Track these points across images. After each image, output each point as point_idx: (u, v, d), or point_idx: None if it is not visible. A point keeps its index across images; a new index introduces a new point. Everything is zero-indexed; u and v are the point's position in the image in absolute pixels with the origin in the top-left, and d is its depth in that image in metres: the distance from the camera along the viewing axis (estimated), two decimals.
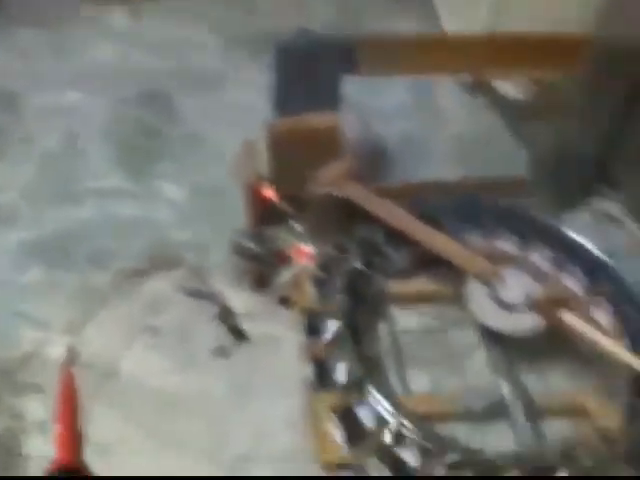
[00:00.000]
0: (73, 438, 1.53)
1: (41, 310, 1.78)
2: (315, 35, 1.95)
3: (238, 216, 2.05)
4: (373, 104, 2.43)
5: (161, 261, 1.91)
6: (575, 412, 1.66)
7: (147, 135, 2.33)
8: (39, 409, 1.60)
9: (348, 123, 1.87)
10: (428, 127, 2.48)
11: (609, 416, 1.59)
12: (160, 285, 1.86)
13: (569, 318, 1.54)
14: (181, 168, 2.23)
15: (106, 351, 1.71)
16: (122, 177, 2.19)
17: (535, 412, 1.62)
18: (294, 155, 1.79)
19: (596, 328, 1.63)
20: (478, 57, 1.96)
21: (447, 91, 2.61)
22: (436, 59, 1.92)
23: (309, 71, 1.70)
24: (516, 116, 2.48)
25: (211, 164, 2.25)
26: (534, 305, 1.58)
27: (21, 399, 1.61)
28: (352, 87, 2.20)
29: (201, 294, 1.84)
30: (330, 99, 1.78)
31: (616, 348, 1.58)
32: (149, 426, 1.59)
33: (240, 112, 2.40)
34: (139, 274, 1.88)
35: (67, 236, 1.98)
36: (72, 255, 1.93)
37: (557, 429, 1.63)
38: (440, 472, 1.45)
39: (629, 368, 1.62)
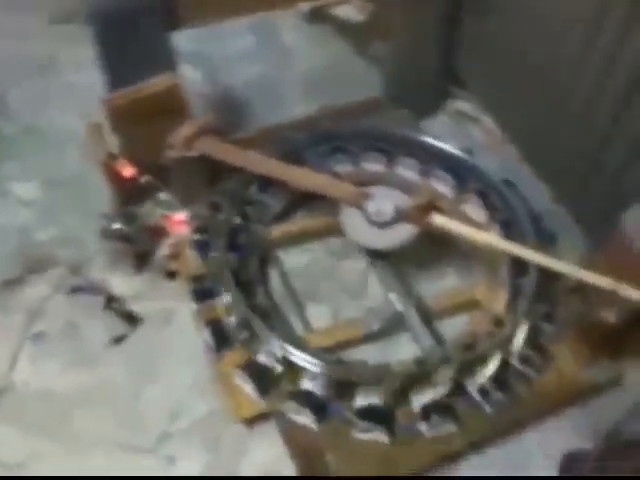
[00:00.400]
0: None
1: None
2: None
3: (103, 201, 1.97)
4: (215, 53, 2.37)
5: (33, 264, 1.81)
6: (467, 306, 1.74)
7: None
8: None
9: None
10: (276, 67, 2.44)
11: (498, 302, 1.68)
12: (38, 289, 1.76)
13: (439, 220, 1.59)
14: (28, 164, 2.09)
15: None
16: None
17: (430, 316, 1.69)
18: (140, 125, 1.71)
19: (469, 224, 1.69)
20: None
21: (289, 26, 2.57)
22: None
23: (131, 33, 1.61)
24: (360, 38, 2.49)
25: (59, 154, 2.12)
26: (404, 215, 1.61)
27: None
28: (190, 39, 2.15)
29: (83, 288, 1.76)
30: (162, 58, 1.70)
31: (490, 238, 1.66)
32: (57, 433, 1.53)
33: (77, 94, 2.27)
34: (13, 283, 1.77)
35: None
36: None
37: (456, 327, 1.72)
38: (354, 398, 1.49)
39: (506, 254, 1.71)
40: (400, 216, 1.62)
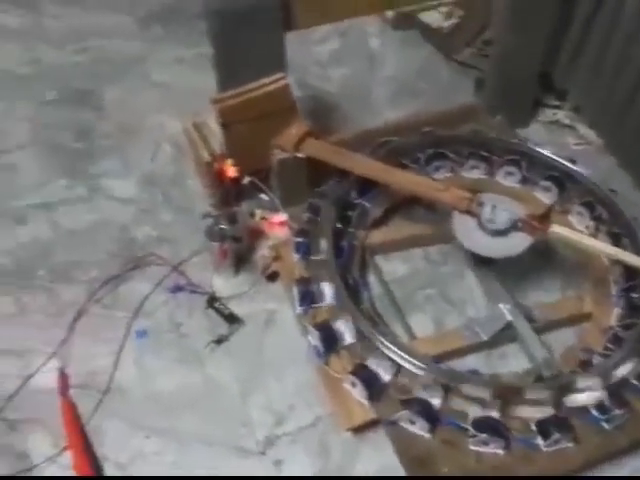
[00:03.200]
0: (89, 462, 1.46)
1: (17, 340, 1.67)
2: None
3: (197, 200, 1.98)
4: (304, 57, 2.36)
5: (134, 262, 1.81)
6: (577, 319, 1.69)
7: (79, 135, 2.18)
8: (43, 443, 1.51)
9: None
10: (364, 71, 2.43)
11: (610, 315, 1.63)
12: (140, 287, 1.76)
13: (558, 229, 1.55)
14: (124, 162, 2.11)
15: (98, 366, 1.63)
16: (64, 184, 2.05)
17: (540, 327, 1.65)
18: (248, 125, 1.72)
19: (581, 233, 1.65)
20: None
21: (375, 31, 2.56)
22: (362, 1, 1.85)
23: (247, 32, 1.61)
24: (448, 43, 2.46)
25: (153, 152, 2.13)
26: (521, 224, 1.58)
27: (20, 437, 1.51)
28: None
29: (184, 287, 1.76)
30: (275, 59, 1.70)
31: (606, 248, 1.61)
32: (166, 431, 1.53)
33: (168, 93, 2.29)
34: (115, 280, 1.78)
35: (23, 258, 1.85)
36: (35, 276, 1.81)
37: (564, 340, 1.67)
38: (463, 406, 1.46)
39: (616, 267, 1.67)
40: (515, 224, 1.58)
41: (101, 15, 2.61)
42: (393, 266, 1.84)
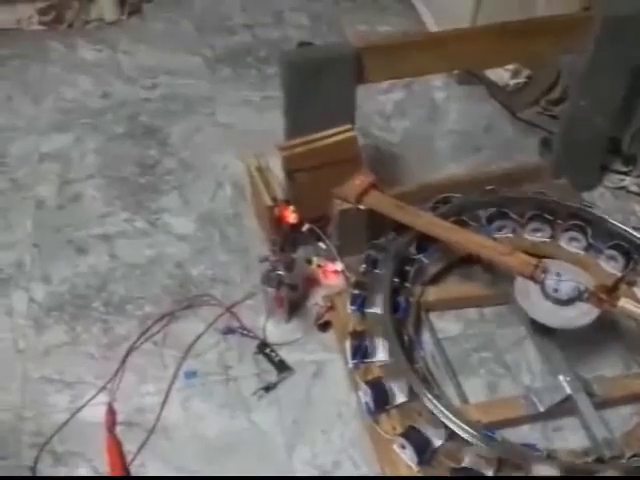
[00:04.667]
0: None
1: (68, 371, 1.68)
2: (318, 46, 1.88)
3: (253, 242, 1.99)
4: (367, 107, 2.38)
5: (188, 300, 1.82)
6: (638, 396, 1.62)
7: (143, 170, 2.22)
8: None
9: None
10: (428, 124, 2.43)
11: None
12: (192, 326, 1.77)
13: (627, 304, 1.49)
14: (184, 199, 2.14)
15: (146, 404, 1.62)
16: (125, 217, 2.08)
17: (599, 403, 1.59)
18: (313, 174, 1.72)
19: None
20: (470, 50, 1.88)
21: (441, 84, 2.56)
22: (431, 57, 1.84)
23: (318, 83, 1.63)
24: (513, 101, 2.45)
25: (213, 191, 2.16)
26: (588, 295, 1.53)
27: (64, 471, 1.51)
28: None
29: (236, 330, 1.76)
30: (344, 110, 1.71)
31: None
32: (208, 474, 1.50)
33: (232, 133, 2.33)
34: (167, 316, 1.78)
35: (81, 288, 1.87)
36: (90, 307, 1.83)
37: (623, 418, 1.60)
38: None
39: None
40: (583, 294, 1.53)
41: (172, 54, 2.68)
42: (448, 325, 1.80)
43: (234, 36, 2.79)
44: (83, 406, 1.61)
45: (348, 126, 1.71)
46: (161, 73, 2.60)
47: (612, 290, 1.52)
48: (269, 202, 1.80)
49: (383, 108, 2.46)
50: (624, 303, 1.50)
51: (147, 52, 2.70)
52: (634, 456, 1.44)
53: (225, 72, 2.61)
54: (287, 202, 1.78)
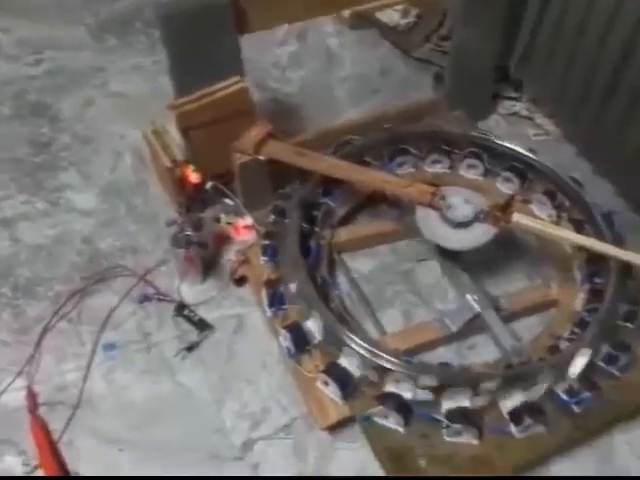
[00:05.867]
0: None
1: None
2: None
3: (160, 208, 1.96)
4: (261, 60, 2.36)
5: (99, 274, 1.79)
6: (543, 306, 1.72)
7: (37, 149, 2.14)
8: (16, 464, 1.48)
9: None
10: (323, 71, 2.43)
11: (576, 301, 1.66)
12: (106, 299, 1.74)
13: (522, 219, 1.57)
14: (84, 174, 2.08)
15: (67, 381, 1.60)
16: (24, 199, 2.01)
17: (508, 316, 1.67)
18: (207, 130, 1.71)
19: (543, 221, 1.67)
20: None
21: (332, 32, 2.56)
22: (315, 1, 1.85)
23: (198, 35, 1.60)
24: (405, 41, 2.48)
25: (114, 162, 2.11)
26: (484, 215, 1.60)
27: None
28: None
29: (151, 296, 1.74)
30: (230, 62, 1.69)
31: (568, 234, 1.64)
32: (139, 442, 1.51)
33: (127, 102, 2.27)
34: (79, 293, 1.75)
35: None
36: None
37: (532, 328, 1.69)
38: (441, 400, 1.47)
39: (580, 253, 1.70)
40: (478, 216, 1.59)
41: (54, 27, 2.57)
42: (361, 263, 1.84)
43: (118, 1, 2.69)
44: (2, 393, 1.58)
45: (236, 78, 1.70)
46: (45, 48, 2.49)
47: (506, 207, 1.59)
48: (168, 163, 1.78)
49: (278, 60, 2.45)
50: (518, 218, 1.57)
51: (28, 27, 2.58)
52: (540, 360, 1.53)
53: (112, 40, 2.52)
54: (187, 162, 1.77)
